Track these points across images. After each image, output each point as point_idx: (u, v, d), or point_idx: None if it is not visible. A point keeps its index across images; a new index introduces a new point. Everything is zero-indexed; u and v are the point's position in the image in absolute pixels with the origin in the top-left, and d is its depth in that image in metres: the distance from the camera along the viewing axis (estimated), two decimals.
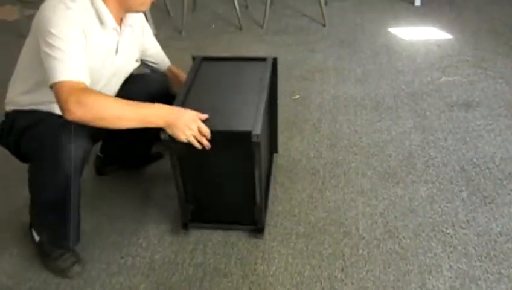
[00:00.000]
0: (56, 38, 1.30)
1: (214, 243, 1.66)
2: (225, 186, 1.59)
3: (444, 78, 2.58)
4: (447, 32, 3.07)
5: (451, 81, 2.54)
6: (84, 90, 1.32)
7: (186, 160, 1.52)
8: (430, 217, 1.72)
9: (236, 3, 3.22)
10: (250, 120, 1.46)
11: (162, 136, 1.42)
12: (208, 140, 1.44)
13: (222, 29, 3.30)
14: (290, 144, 2.13)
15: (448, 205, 1.77)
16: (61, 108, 1.30)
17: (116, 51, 1.54)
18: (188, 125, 1.41)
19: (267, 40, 3.11)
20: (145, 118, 1.38)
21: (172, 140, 1.43)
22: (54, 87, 1.31)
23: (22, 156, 1.52)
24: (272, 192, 1.85)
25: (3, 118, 1.56)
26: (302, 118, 2.31)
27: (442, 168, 1.95)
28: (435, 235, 1.65)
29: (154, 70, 1.85)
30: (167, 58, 1.86)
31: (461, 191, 1.83)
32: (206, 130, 1.43)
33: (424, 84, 2.53)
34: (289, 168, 1.99)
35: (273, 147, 2.01)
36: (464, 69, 2.65)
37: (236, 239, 1.67)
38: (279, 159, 2.03)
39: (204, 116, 1.46)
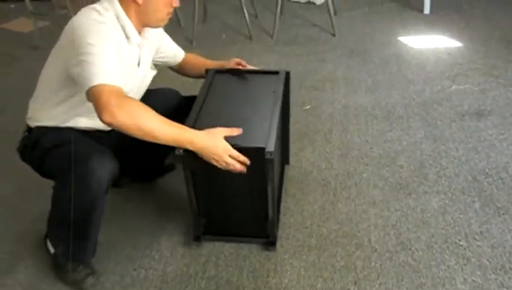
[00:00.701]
0: (93, 47, 1.32)
1: (226, 255, 1.67)
2: (237, 201, 1.60)
3: (454, 87, 2.57)
4: (457, 40, 3.06)
5: (462, 90, 2.53)
6: (126, 96, 1.33)
7: (199, 174, 1.54)
8: (443, 229, 1.71)
9: (246, 13, 3.25)
10: (264, 136, 1.47)
11: (176, 152, 1.43)
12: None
13: (232, 39, 3.32)
14: (301, 155, 2.13)
15: (461, 216, 1.76)
16: (100, 110, 1.27)
17: (139, 64, 1.57)
18: (219, 156, 1.42)
19: (277, 50, 3.12)
20: (178, 139, 1.39)
21: (186, 155, 1.44)
22: (93, 89, 1.28)
23: (44, 173, 1.54)
24: (283, 204, 1.86)
25: (26, 133, 1.57)
26: (313, 128, 2.31)
27: (454, 178, 1.94)
28: (447, 247, 1.64)
29: (170, 66, 1.86)
30: (179, 51, 1.83)
31: (474, 201, 1.82)
32: (237, 155, 1.43)
33: (434, 93, 2.52)
34: (300, 179, 1.99)
35: (284, 159, 2.02)
36: (474, 77, 2.64)
37: (248, 252, 1.67)
38: (290, 171, 2.04)
39: (236, 131, 1.46)
